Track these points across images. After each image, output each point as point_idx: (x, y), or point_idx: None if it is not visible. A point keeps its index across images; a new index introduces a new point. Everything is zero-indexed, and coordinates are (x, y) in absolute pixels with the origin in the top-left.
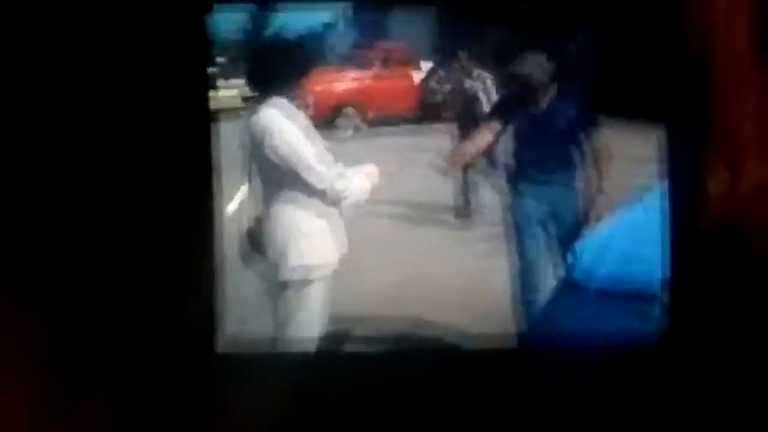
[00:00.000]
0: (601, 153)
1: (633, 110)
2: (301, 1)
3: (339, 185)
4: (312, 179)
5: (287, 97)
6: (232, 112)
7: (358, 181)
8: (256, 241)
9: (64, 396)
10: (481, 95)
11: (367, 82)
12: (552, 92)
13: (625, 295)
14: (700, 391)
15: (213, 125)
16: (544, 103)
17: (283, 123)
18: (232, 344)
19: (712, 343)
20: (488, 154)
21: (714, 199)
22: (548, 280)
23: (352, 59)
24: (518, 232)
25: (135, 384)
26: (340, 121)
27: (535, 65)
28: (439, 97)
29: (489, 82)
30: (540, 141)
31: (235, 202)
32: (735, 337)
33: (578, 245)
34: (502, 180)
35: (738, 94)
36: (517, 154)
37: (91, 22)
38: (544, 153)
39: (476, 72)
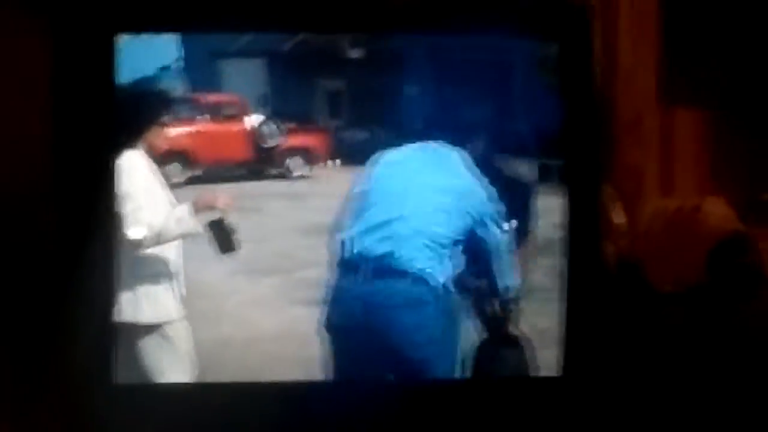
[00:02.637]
0: None
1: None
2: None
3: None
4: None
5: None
6: None
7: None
8: None
9: None
10: None
11: (195, 132)
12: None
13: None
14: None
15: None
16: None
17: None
18: (130, 375)
19: (610, 379)
20: None
21: (614, 230)
22: None
23: (179, 111)
24: None
25: (34, 417)
26: (169, 170)
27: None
28: (272, 142)
29: None
30: None
31: None
32: (634, 371)
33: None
34: None
35: (639, 128)
36: None
37: None
38: None
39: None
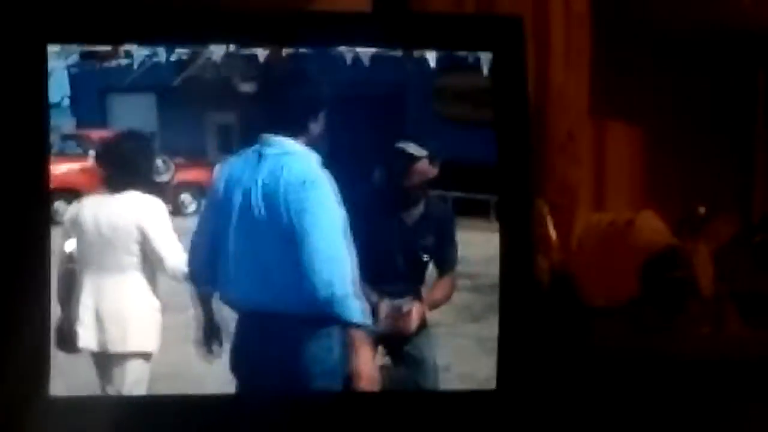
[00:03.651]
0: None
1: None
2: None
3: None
4: (170, 263)
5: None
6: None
7: None
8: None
9: None
10: None
11: (84, 168)
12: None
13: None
14: None
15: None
16: (410, 218)
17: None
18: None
19: (543, 392)
20: None
21: (547, 245)
22: None
23: (67, 148)
24: None
25: None
26: (57, 207)
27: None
28: (162, 178)
29: None
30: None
31: None
32: (567, 384)
33: None
34: None
35: (572, 143)
36: None
37: None
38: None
39: None
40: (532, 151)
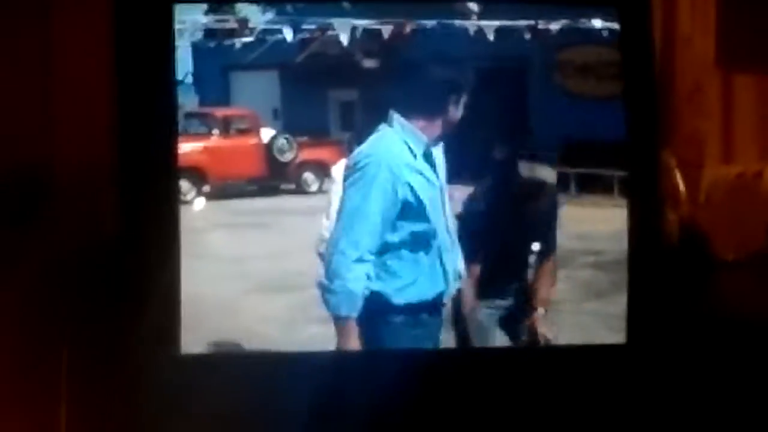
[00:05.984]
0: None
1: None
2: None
3: None
4: None
5: None
6: None
7: None
8: None
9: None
10: None
11: (206, 147)
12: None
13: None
14: (660, 395)
15: None
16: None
17: None
18: (196, 345)
19: (671, 352)
20: None
21: (676, 198)
22: None
23: (190, 126)
24: None
25: (96, 387)
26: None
27: None
28: (285, 157)
29: None
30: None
31: None
32: (696, 342)
33: None
34: None
35: (699, 95)
36: None
37: None
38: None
39: None
40: (659, 127)
